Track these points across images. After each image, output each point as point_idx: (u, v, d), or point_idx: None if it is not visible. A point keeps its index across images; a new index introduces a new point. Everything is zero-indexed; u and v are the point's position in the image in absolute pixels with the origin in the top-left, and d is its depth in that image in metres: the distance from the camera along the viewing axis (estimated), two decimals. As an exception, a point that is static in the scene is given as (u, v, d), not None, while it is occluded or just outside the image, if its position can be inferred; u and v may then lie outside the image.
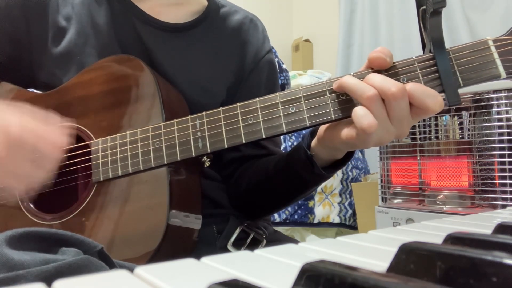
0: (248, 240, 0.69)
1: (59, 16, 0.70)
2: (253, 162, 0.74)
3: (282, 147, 0.77)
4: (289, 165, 0.65)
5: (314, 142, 0.59)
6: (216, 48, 0.74)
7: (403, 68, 0.50)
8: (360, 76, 0.50)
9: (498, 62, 0.48)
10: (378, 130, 0.48)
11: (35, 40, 0.70)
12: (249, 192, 0.72)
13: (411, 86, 0.48)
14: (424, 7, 0.51)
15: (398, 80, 0.49)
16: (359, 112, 0.48)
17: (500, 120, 1.09)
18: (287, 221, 1.81)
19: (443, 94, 0.49)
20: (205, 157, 0.61)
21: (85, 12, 0.70)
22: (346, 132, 0.52)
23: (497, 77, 0.48)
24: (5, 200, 0.64)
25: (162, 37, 0.71)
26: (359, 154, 2.09)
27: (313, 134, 0.61)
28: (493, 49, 0.48)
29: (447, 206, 1.16)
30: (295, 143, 1.68)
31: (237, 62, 0.76)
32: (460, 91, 0.49)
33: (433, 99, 0.47)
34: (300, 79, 2.36)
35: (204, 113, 0.55)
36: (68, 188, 0.63)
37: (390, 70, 0.50)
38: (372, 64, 0.50)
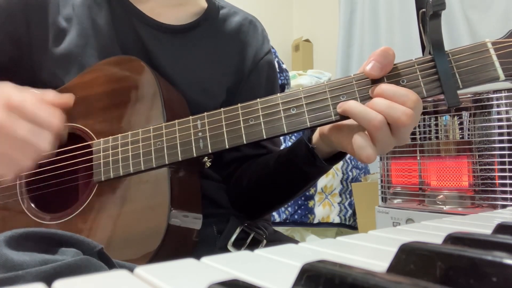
0: (248, 240, 0.69)
1: (60, 17, 0.70)
2: (254, 161, 0.74)
3: (282, 147, 0.78)
4: (290, 159, 0.65)
5: (315, 135, 0.60)
6: (216, 49, 0.75)
7: (403, 70, 0.50)
8: (361, 78, 0.50)
9: (497, 64, 0.48)
10: (379, 147, 0.49)
11: (35, 40, 0.70)
12: (250, 189, 0.72)
13: (384, 89, 0.48)
14: (423, 9, 0.51)
15: (398, 82, 0.50)
16: (358, 143, 0.48)
17: (500, 120, 1.09)
18: (287, 221, 1.81)
19: (442, 95, 0.49)
20: (206, 157, 0.61)
21: (85, 13, 0.70)
22: (347, 146, 0.53)
23: (496, 79, 0.48)
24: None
25: (162, 39, 0.71)
26: (359, 154, 2.09)
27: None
28: (492, 51, 0.49)
29: (447, 206, 1.16)
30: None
31: (237, 63, 0.76)
32: (460, 91, 0.49)
33: (405, 97, 0.48)
34: (300, 79, 2.36)
35: (205, 113, 0.55)
36: (69, 188, 0.63)
37: (390, 72, 0.50)
38: (367, 76, 0.50)
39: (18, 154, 0.50)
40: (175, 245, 0.57)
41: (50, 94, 0.56)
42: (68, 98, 0.58)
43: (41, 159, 0.52)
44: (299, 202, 1.83)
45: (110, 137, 0.59)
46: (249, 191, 0.72)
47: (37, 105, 0.52)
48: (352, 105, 0.49)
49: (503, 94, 1.07)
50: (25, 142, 0.50)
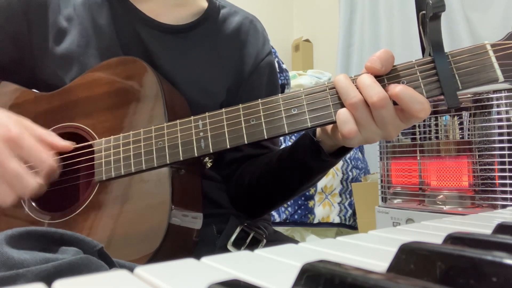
0: (248, 239, 0.69)
1: (60, 17, 0.70)
2: (256, 159, 0.74)
3: (283, 146, 0.78)
4: (294, 154, 0.65)
5: (318, 130, 0.60)
6: (216, 48, 0.75)
7: (403, 71, 0.50)
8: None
9: (496, 66, 0.49)
10: (363, 132, 0.50)
11: (36, 40, 0.70)
12: (252, 186, 0.72)
13: (400, 89, 0.48)
14: (423, 11, 0.51)
15: (398, 83, 0.50)
16: (341, 117, 0.50)
17: (500, 120, 1.09)
18: (287, 221, 1.81)
19: (442, 96, 0.49)
20: (207, 158, 0.61)
21: (86, 14, 0.71)
22: (334, 130, 0.55)
23: (495, 80, 0.49)
24: None
25: (162, 39, 0.71)
26: (359, 154, 2.09)
27: None
28: (491, 53, 0.49)
29: (447, 206, 1.16)
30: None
31: (237, 63, 0.76)
32: (460, 92, 0.49)
33: (420, 105, 0.48)
34: (300, 79, 2.36)
35: (207, 114, 0.55)
36: (70, 187, 0.63)
37: (390, 74, 0.50)
38: (368, 71, 0.51)
39: (2, 187, 0.50)
40: (176, 245, 0.57)
41: (51, 136, 0.56)
42: (67, 146, 0.58)
43: (25, 197, 0.51)
44: (299, 202, 1.83)
45: (112, 136, 0.60)
46: (251, 188, 0.72)
47: (34, 143, 0.52)
48: (339, 79, 0.51)
49: (503, 94, 1.07)
50: (13, 177, 0.49)
